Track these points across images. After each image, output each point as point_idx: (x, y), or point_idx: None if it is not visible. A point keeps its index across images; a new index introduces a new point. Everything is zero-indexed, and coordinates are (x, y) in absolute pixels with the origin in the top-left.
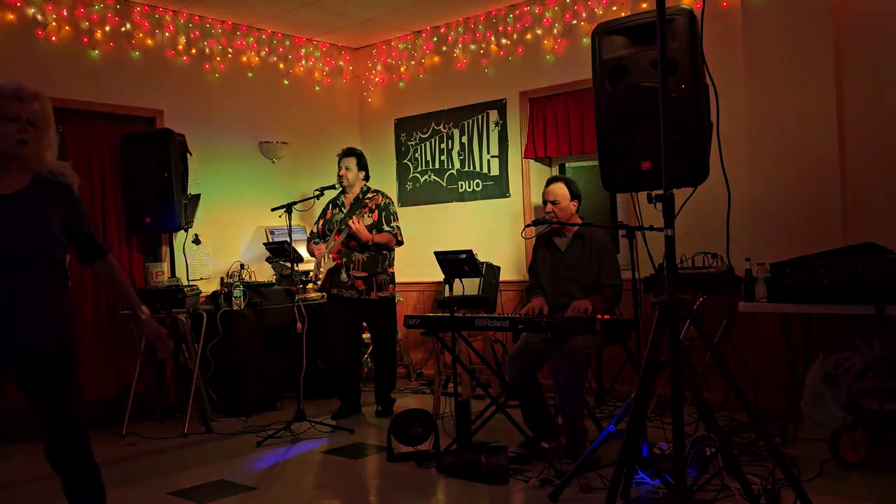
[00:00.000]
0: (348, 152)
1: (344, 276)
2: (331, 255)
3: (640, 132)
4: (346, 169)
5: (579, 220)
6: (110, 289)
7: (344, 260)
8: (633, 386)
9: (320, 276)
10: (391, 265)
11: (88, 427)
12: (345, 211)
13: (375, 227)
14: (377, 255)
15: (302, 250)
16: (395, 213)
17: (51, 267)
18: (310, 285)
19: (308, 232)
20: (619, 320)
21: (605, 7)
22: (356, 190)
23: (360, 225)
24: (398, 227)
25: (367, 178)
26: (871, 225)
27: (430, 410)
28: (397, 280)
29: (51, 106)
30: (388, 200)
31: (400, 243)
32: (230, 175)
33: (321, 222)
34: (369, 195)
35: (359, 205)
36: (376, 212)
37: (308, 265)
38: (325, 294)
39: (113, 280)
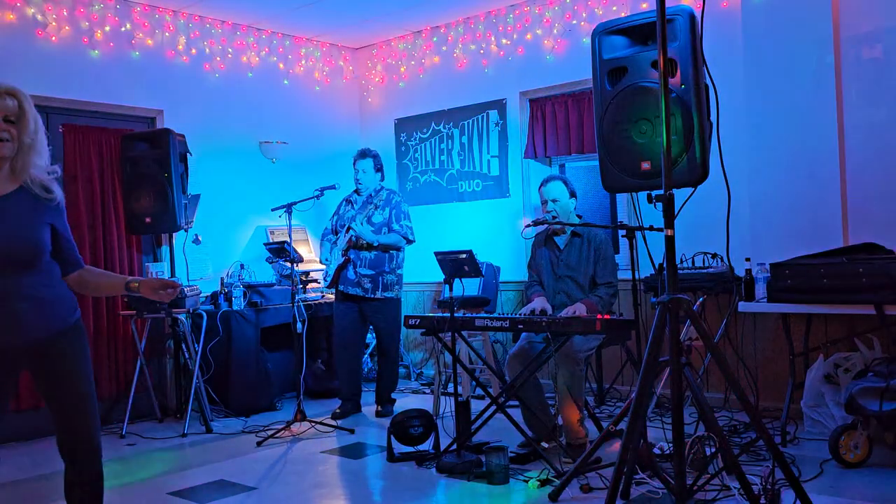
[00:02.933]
0: (364, 154)
1: (350, 273)
2: (340, 253)
3: (640, 132)
4: (364, 172)
5: (577, 218)
6: (96, 291)
7: (352, 257)
8: (633, 386)
9: (331, 273)
10: (400, 266)
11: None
12: (356, 208)
13: (385, 225)
14: (384, 254)
15: (303, 250)
16: (407, 211)
17: (41, 262)
18: (316, 283)
19: (311, 234)
20: (619, 320)
21: (605, 7)
22: (371, 189)
23: (363, 227)
24: (409, 227)
25: (383, 177)
26: (871, 225)
27: (430, 410)
28: None
29: (31, 104)
30: (399, 199)
31: (411, 242)
32: (230, 175)
33: (335, 219)
34: (381, 194)
35: (368, 204)
36: (387, 210)
37: (308, 265)
38: (324, 295)
39: (95, 282)
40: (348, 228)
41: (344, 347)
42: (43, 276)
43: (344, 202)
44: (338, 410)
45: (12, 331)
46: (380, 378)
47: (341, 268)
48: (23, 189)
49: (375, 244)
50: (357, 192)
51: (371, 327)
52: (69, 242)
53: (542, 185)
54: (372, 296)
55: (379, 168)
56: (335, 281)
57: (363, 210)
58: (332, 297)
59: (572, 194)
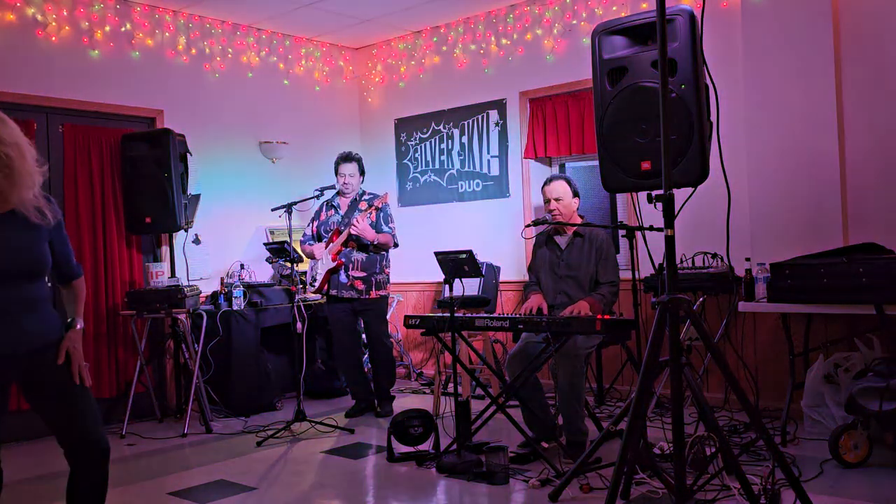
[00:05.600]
0: (348, 158)
1: (342, 276)
2: (330, 256)
3: (640, 132)
4: (350, 175)
5: (579, 218)
6: (68, 302)
7: (343, 261)
8: (633, 386)
9: (317, 277)
10: (388, 266)
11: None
12: (341, 213)
13: (373, 228)
14: (375, 255)
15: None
16: (392, 215)
17: (45, 276)
18: (306, 287)
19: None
20: (619, 320)
21: (605, 7)
22: (355, 192)
23: (364, 224)
24: (395, 229)
25: (363, 181)
26: (871, 225)
27: (430, 410)
28: (397, 280)
29: (14, 131)
30: (384, 202)
31: (396, 245)
32: (230, 175)
33: (315, 224)
34: (366, 197)
35: (356, 207)
36: (373, 213)
37: (308, 265)
38: (322, 295)
39: (76, 297)
40: (337, 231)
41: (345, 350)
42: (41, 291)
43: (325, 206)
44: (351, 410)
45: (14, 339)
46: (376, 378)
47: (332, 272)
48: (17, 211)
49: (375, 242)
50: (340, 194)
51: (362, 327)
52: (65, 256)
53: (545, 183)
54: (366, 296)
55: (363, 171)
56: (323, 286)
57: (350, 214)
58: (317, 296)
59: (575, 194)
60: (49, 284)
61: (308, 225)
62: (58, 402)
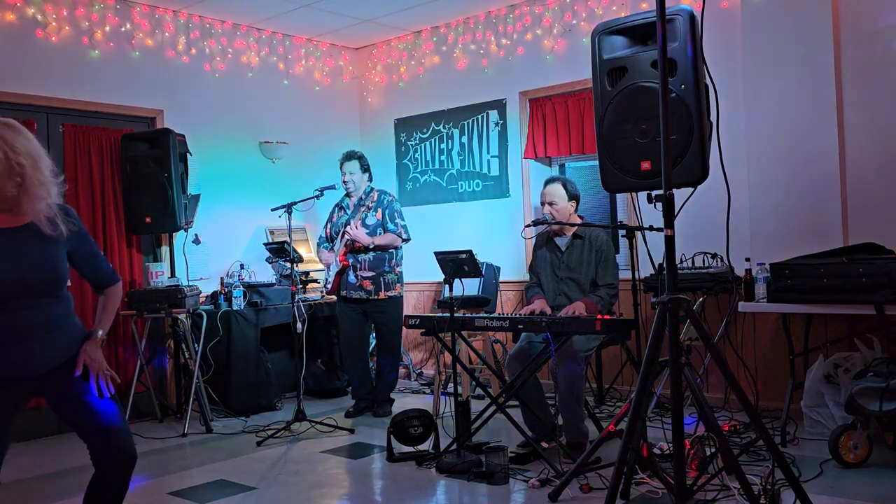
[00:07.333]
0: (349, 157)
1: (351, 276)
2: (338, 258)
3: (640, 132)
4: (350, 174)
5: (578, 220)
6: (99, 310)
7: (350, 261)
8: (633, 386)
9: (330, 279)
10: (399, 264)
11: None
12: (349, 213)
13: (381, 226)
14: (383, 254)
15: (303, 250)
16: (400, 210)
17: (60, 292)
18: (316, 283)
19: (311, 234)
20: (619, 320)
21: (605, 7)
22: (361, 192)
23: (358, 231)
24: (404, 226)
25: (370, 178)
26: (871, 225)
27: (430, 410)
28: None
29: (30, 141)
30: (391, 198)
31: (406, 240)
32: (230, 175)
33: (328, 226)
34: (372, 195)
35: (360, 206)
36: (380, 211)
37: (308, 265)
38: (323, 294)
39: (105, 305)
40: (343, 233)
41: (352, 350)
42: (60, 307)
43: (336, 208)
44: (351, 410)
45: (27, 364)
46: (379, 378)
47: (341, 273)
48: (33, 223)
49: (371, 246)
50: (347, 195)
51: (372, 326)
52: (92, 267)
53: (543, 185)
54: (375, 297)
55: (366, 169)
56: (336, 287)
57: (356, 213)
58: (332, 297)
59: (572, 197)
60: (69, 297)
61: (323, 228)
62: (82, 412)
